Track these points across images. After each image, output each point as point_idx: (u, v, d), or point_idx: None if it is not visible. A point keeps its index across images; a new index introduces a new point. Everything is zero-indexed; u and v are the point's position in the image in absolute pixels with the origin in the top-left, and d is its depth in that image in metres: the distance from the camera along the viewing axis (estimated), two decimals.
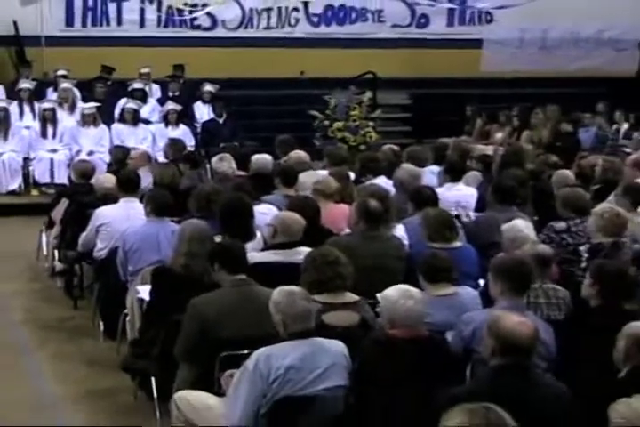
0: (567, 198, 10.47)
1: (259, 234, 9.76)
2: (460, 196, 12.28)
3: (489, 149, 16.99)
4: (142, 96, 19.99)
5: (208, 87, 20.29)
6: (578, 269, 9.32)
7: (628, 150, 17.05)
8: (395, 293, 7.08)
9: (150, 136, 18.89)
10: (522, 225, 9.42)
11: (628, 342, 6.34)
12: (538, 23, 21.75)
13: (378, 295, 7.60)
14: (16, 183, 18.16)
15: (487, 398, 5.06)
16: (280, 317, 6.76)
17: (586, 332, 7.14)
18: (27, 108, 19.03)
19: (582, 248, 9.54)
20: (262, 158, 13.13)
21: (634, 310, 7.21)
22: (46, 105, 18.80)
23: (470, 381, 6.79)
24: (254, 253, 8.90)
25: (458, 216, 10.78)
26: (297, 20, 22.41)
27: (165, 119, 19.28)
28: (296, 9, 22.18)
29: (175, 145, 15.19)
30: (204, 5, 19.98)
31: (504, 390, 5.84)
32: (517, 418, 4.88)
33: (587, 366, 6.75)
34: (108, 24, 21.41)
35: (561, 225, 9.99)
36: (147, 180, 12.25)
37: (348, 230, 10.03)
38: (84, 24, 21.27)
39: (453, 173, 12.70)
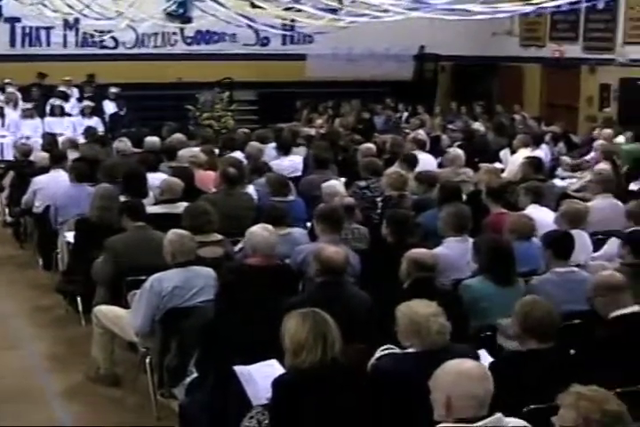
0: (367, 164, 10.54)
1: (151, 193, 9.66)
2: (292, 164, 12.31)
3: (312, 131, 16.97)
4: (65, 96, 19.68)
5: (113, 89, 20.02)
6: (374, 214, 9.38)
7: (407, 131, 17.19)
8: (257, 228, 7.10)
9: (72, 125, 18.54)
10: (335, 183, 9.48)
11: (408, 263, 6.40)
12: (345, 43, 21.75)
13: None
14: None
15: (314, 305, 5.07)
16: (171, 250, 6.73)
17: (383, 258, 7.19)
18: None
19: (378, 199, 9.60)
20: (152, 140, 12.98)
21: (415, 243, 7.28)
22: None
23: (302, 293, 6.80)
24: (148, 206, 8.81)
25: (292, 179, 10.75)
26: (176, 41, 22.20)
27: (82, 113, 19.01)
28: (175, 33, 21.96)
29: (90, 131, 15.00)
30: (109, 31, 19.69)
31: (326, 299, 5.84)
32: (335, 318, 4.90)
33: (383, 281, 6.79)
34: (40, 45, 21.01)
35: (362, 183, 10.01)
36: (72, 156, 12.00)
37: (214, 190, 9.99)
38: (23, 45, 20.86)
39: (287, 148, 12.72)
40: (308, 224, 8.64)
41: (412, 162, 10.94)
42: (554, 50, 22.64)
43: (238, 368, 5.28)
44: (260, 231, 7.05)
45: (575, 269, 6.90)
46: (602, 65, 21.28)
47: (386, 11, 14.51)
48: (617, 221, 8.91)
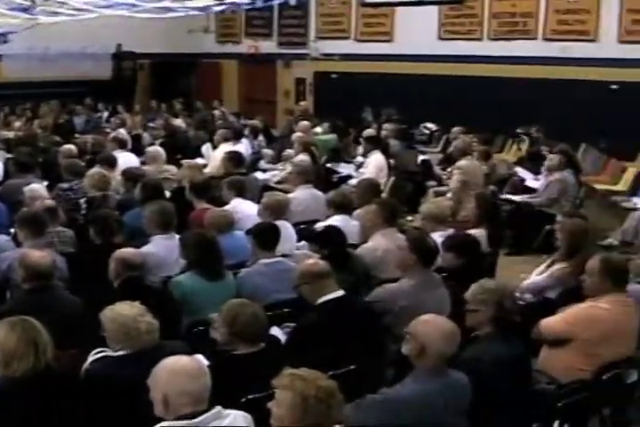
0: (69, 166, 10.35)
1: None
2: None
3: (10, 134, 16.40)
4: None
5: None
6: (79, 216, 9.23)
7: (108, 130, 16.99)
8: None
9: None
10: (37, 187, 9.26)
11: (116, 263, 6.34)
12: (41, 42, 21.17)
13: None
14: None
15: (23, 313, 4.92)
16: None
17: (91, 260, 7.08)
18: None
19: (81, 201, 9.45)
20: None
21: (122, 243, 7.23)
22: None
23: (10, 301, 6.59)
24: None
25: None
26: None
27: None
28: None
29: None
30: None
31: (35, 305, 5.69)
32: (46, 324, 4.78)
33: (93, 283, 6.70)
34: None
35: (65, 185, 9.82)
36: None
37: None
38: None
39: None
40: (12, 230, 8.38)
41: (111, 162, 10.83)
42: (250, 46, 23.05)
43: None
44: None
45: (281, 259, 7.07)
46: (296, 60, 21.90)
47: (81, 9, 14.33)
48: (318, 210, 9.21)
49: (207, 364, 4.68)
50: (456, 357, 4.75)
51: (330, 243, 7.07)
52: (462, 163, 11.75)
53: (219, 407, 4.14)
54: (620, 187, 14.02)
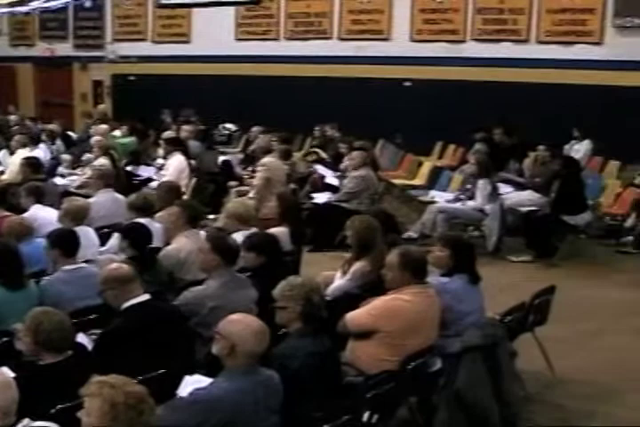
0: None
1: None
2: None
3: None
4: None
5: None
6: None
7: None
8: None
9: None
10: None
11: None
12: None
13: None
14: None
15: None
16: None
17: None
18: None
19: None
20: None
21: None
22: None
23: None
24: None
25: None
26: None
27: None
28: None
29: None
30: None
31: None
32: None
33: None
34: None
35: None
36: None
37: None
38: None
39: None
40: None
41: None
42: (45, 49, 22.59)
43: None
44: None
45: (84, 265, 6.94)
46: (93, 62, 21.63)
47: None
48: (120, 214, 9.11)
49: (13, 376, 4.56)
50: (266, 355, 4.78)
51: (137, 240, 7.02)
52: (266, 160, 11.85)
53: (27, 420, 4.06)
54: (417, 181, 14.48)
